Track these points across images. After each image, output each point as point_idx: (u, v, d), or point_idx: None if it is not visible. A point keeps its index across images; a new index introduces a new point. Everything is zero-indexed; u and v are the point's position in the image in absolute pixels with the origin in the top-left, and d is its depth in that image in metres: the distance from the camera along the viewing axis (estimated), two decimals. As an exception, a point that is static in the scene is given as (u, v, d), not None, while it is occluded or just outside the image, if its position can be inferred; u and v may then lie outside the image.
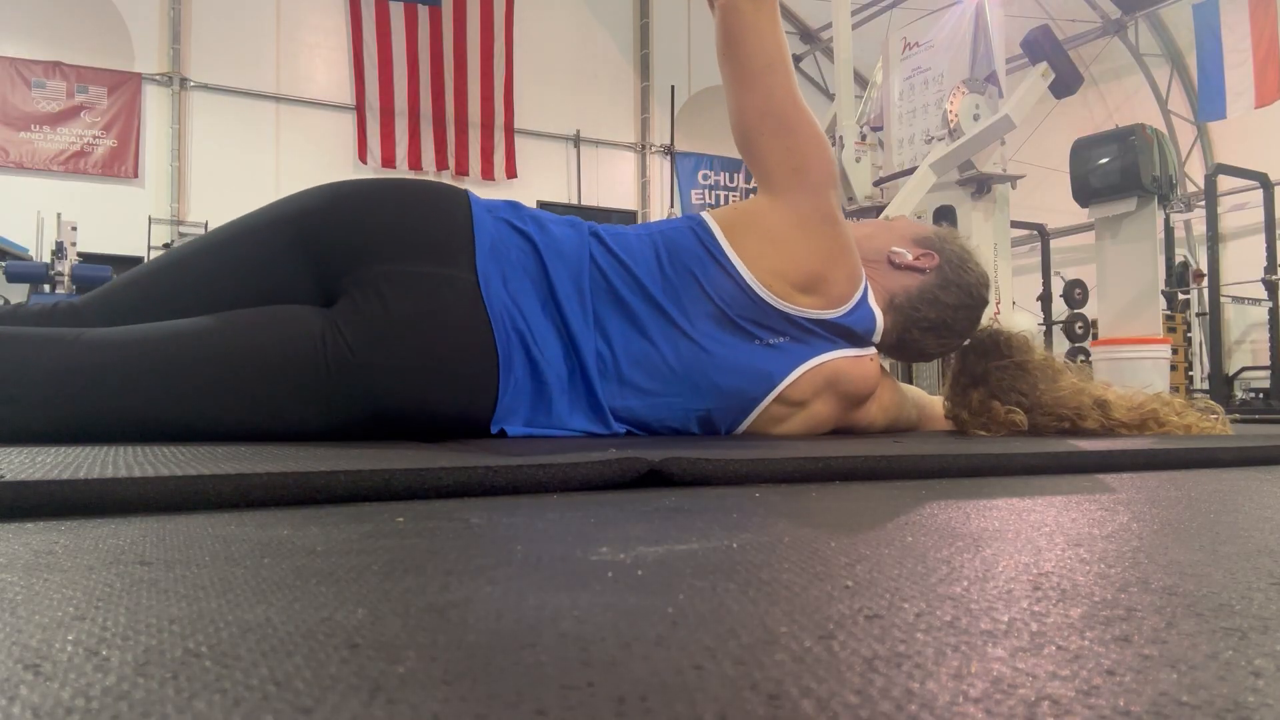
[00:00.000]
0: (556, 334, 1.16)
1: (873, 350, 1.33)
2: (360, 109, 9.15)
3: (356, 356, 1.05)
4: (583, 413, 1.17)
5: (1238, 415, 1.44)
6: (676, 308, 1.19)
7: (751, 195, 1.32)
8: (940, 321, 1.37)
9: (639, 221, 9.35)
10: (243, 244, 1.16)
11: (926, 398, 1.54)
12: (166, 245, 8.79)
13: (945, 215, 4.27)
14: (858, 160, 4.30)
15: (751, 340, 1.20)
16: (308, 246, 1.13)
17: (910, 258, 1.37)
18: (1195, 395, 1.54)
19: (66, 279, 5.86)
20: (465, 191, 1.21)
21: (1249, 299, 7.93)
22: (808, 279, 1.22)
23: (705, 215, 1.28)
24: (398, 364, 1.06)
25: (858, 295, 1.28)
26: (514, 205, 1.24)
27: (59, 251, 6.08)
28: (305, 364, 1.04)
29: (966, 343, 1.42)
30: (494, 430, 1.13)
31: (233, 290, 1.12)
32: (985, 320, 1.44)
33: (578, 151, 10.39)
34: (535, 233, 1.19)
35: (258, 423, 1.04)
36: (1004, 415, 1.30)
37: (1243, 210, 8.70)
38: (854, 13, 5.67)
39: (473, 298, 1.10)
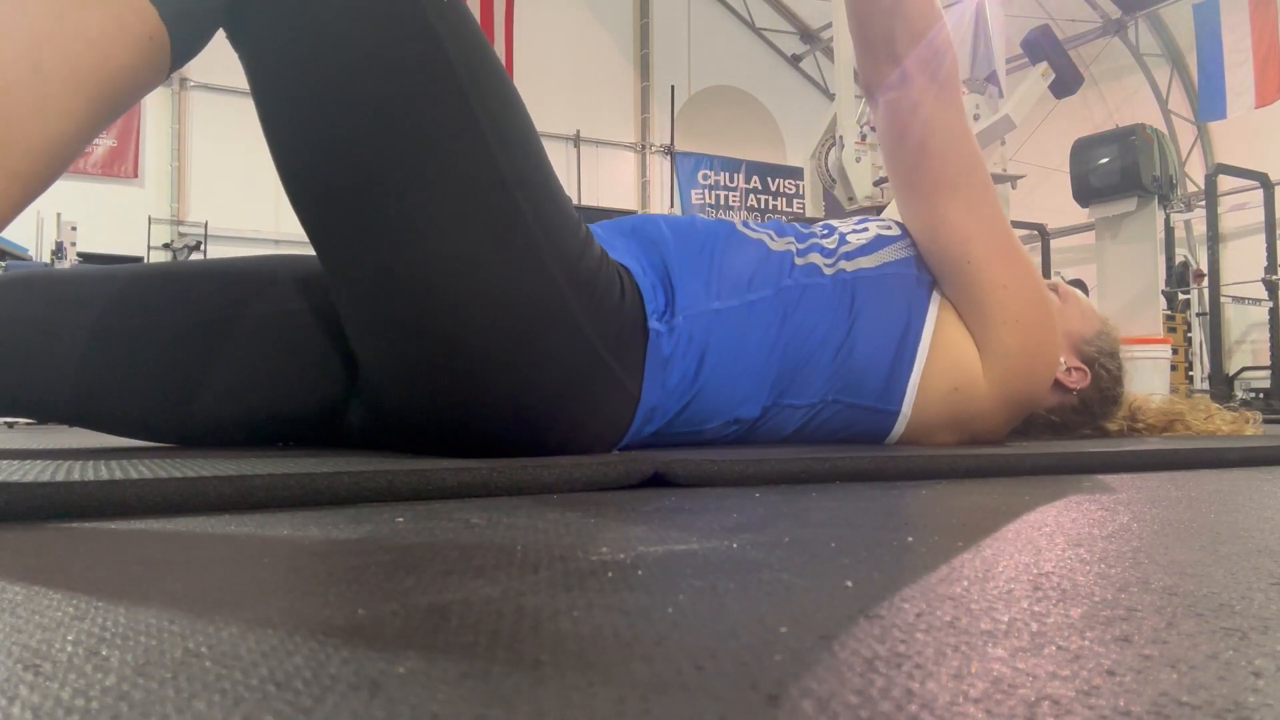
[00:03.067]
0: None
1: None
2: (360, 109, 9.15)
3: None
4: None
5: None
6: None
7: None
8: (1045, 426, 1.22)
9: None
10: None
11: None
12: (166, 245, 8.81)
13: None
14: (858, 160, 4.30)
15: None
16: None
17: (1062, 370, 1.16)
18: (1232, 405, 1.52)
19: (67, 278, 5.84)
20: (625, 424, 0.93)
21: (1249, 299, 7.94)
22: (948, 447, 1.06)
23: (914, 382, 1.01)
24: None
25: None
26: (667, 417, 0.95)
27: (59, 251, 6.07)
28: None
29: None
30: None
31: None
32: None
33: (578, 151, 10.39)
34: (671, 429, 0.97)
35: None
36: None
37: (1243, 210, 8.70)
38: (854, 13, 5.66)
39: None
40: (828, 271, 1.03)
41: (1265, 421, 1.69)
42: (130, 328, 0.91)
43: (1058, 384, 1.17)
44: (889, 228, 1.11)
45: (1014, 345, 1.03)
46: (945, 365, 1.02)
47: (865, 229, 1.10)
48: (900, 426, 1.03)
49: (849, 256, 1.05)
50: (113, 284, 0.92)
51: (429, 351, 0.82)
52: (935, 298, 1.05)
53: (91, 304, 0.90)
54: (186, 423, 0.96)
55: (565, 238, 0.84)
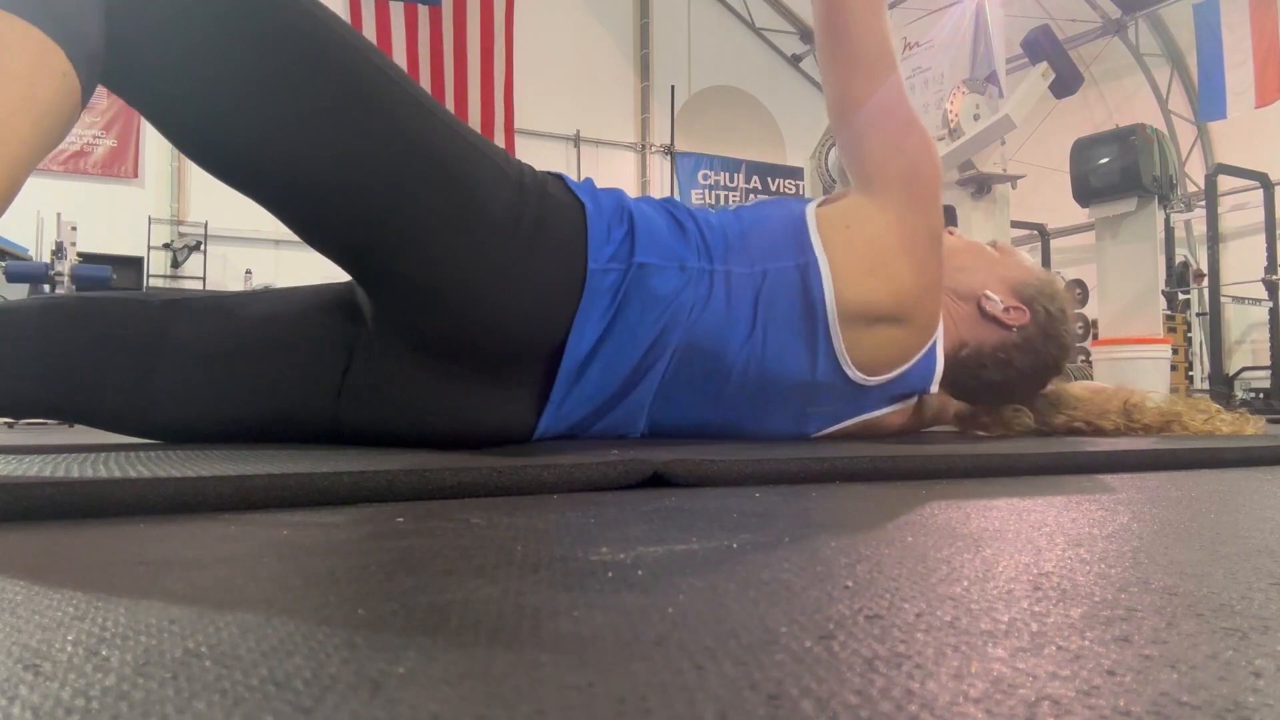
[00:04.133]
0: (614, 402, 1.06)
1: (913, 400, 1.22)
2: (360, 109, 9.13)
3: (372, 415, 1.01)
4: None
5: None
6: (751, 385, 1.08)
7: (848, 196, 1.17)
8: (1003, 383, 1.26)
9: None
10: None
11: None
12: (167, 245, 8.81)
13: (945, 215, 4.26)
14: (858, 160, 4.30)
15: (808, 409, 1.14)
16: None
17: (1000, 308, 1.22)
18: (1239, 410, 1.52)
19: (66, 279, 5.85)
20: (581, 281, 0.99)
21: (1249, 299, 7.94)
22: (895, 315, 1.10)
23: (817, 242, 1.09)
24: (415, 430, 1.01)
25: (927, 345, 1.15)
26: (633, 270, 1.01)
27: (59, 251, 6.06)
28: (314, 400, 1.02)
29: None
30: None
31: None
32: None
33: (578, 151, 10.39)
34: (638, 317, 1.02)
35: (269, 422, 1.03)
36: (1010, 416, 1.29)
37: (1243, 210, 8.71)
38: (854, 13, 5.67)
39: (528, 406, 1.02)
40: (713, 211, 1.15)
41: (1267, 421, 1.69)
42: (75, 314, 0.99)
43: (997, 321, 1.22)
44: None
45: (896, 171, 1.12)
46: (834, 216, 1.13)
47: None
48: (827, 278, 1.07)
49: (728, 207, 1.18)
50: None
51: (369, 226, 0.92)
52: (812, 202, 1.16)
53: (37, 300, 1.01)
54: (150, 413, 1.01)
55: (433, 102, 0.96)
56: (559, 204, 1.01)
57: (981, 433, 1.30)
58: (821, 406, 1.14)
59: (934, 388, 1.18)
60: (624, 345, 1.02)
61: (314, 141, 0.89)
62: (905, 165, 1.12)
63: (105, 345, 0.98)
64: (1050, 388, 1.33)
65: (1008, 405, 1.30)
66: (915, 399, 1.22)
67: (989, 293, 1.23)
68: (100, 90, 0.86)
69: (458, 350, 0.98)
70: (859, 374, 1.11)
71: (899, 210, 1.10)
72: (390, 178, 0.91)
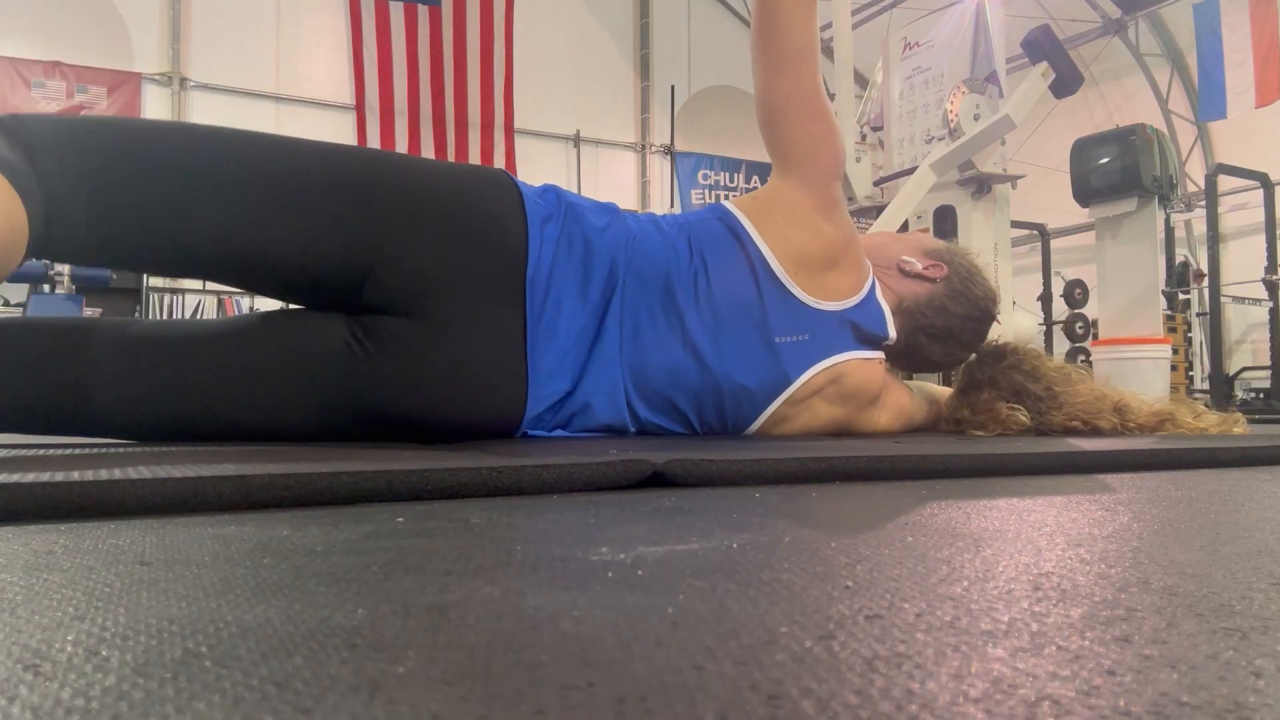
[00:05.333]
0: (589, 351, 1.15)
1: (881, 354, 1.33)
2: (360, 108, 9.15)
3: (382, 372, 1.04)
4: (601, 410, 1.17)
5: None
6: (704, 306, 1.19)
7: (763, 184, 1.32)
8: (947, 330, 1.41)
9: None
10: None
11: (938, 390, 1.54)
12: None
13: (945, 215, 4.27)
14: (858, 160, 4.30)
15: (774, 338, 1.21)
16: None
17: (920, 267, 1.41)
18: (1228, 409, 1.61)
19: (66, 279, 5.85)
20: (521, 210, 1.14)
21: (1249, 299, 7.94)
22: (825, 262, 1.26)
23: (731, 206, 1.29)
24: (424, 387, 1.05)
25: (865, 287, 1.30)
26: (564, 206, 1.19)
27: (59, 251, 6.06)
28: (327, 370, 1.04)
29: (973, 356, 1.44)
30: (516, 434, 1.13)
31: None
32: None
33: (578, 151, 10.38)
34: (584, 245, 1.16)
35: (272, 422, 1.04)
36: (1005, 414, 1.30)
37: (1243, 210, 8.70)
38: (854, 13, 5.67)
39: (515, 341, 1.09)
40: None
41: (1266, 422, 1.70)
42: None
43: (921, 277, 1.40)
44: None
45: (806, 153, 1.28)
46: (745, 199, 1.31)
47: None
48: (750, 227, 1.25)
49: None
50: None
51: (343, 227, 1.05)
52: (737, 212, 1.28)
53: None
54: (88, 416, 1.02)
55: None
56: (483, 167, 1.20)
57: (979, 432, 1.31)
58: (785, 334, 1.22)
59: (892, 332, 1.33)
60: (576, 277, 1.13)
61: (315, 226, 1.02)
62: (814, 148, 1.28)
63: (46, 358, 1.01)
64: (1058, 389, 1.35)
65: (1002, 401, 1.32)
66: (884, 355, 1.35)
67: (905, 257, 1.43)
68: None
69: (441, 300, 1.06)
70: (804, 294, 1.23)
71: (807, 183, 1.28)
72: (366, 218, 1.04)
